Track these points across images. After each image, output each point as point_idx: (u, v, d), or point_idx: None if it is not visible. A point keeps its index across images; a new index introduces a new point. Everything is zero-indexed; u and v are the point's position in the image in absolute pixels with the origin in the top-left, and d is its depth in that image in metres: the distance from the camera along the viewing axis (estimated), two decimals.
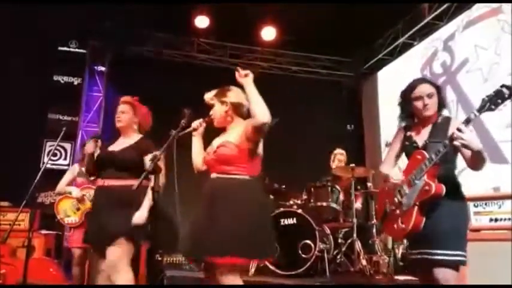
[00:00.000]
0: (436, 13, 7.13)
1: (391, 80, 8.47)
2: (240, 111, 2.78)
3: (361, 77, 9.36)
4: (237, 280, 2.48)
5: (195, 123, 2.83)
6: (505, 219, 3.78)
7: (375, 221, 5.36)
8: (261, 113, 2.49)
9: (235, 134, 2.68)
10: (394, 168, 2.82)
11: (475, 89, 6.31)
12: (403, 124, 2.81)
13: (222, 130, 2.83)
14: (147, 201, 2.94)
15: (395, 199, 2.63)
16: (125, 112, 3.31)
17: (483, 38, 6.39)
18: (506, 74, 5.77)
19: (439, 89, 2.65)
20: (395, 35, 8.05)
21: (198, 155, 2.84)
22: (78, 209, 4.46)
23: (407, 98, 2.70)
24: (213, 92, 2.83)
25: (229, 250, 2.40)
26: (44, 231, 5.58)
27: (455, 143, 2.29)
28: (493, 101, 2.22)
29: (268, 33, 8.25)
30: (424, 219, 2.47)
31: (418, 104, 2.62)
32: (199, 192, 2.73)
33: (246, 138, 2.61)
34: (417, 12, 7.44)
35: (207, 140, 2.87)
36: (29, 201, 3.42)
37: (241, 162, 2.62)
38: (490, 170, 5.58)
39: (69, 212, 4.50)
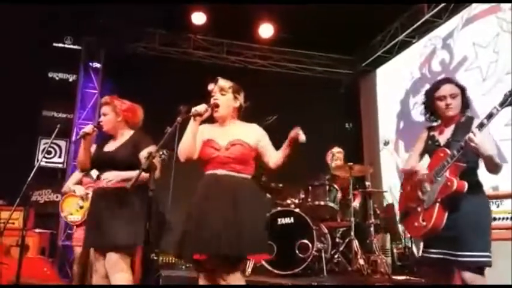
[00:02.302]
0: (434, 11, 7.09)
1: (389, 78, 8.45)
2: (241, 114, 2.84)
3: (360, 74, 9.31)
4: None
5: (201, 108, 2.64)
6: (503, 219, 3.77)
7: (373, 220, 5.34)
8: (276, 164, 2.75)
9: (250, 135, 2.73)
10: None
11: (474, 87, 6.27)
12: (427, 123, 2.86)
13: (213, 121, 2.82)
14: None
15: (417, 196, 2.63)
16: (106, 114, 3.25)
17: (482, 36, 6.36)
18: (504, 72, 5.75)
19: (463, 90, 2.71)
20: (394, 32, 8.01)
21: (192, 142, 2.67)
22: (81, 207, 4.56)
23: (430, 97, 2.75)
24: (229, 82, 2.77)
25: (262, 248, 2.56)
26: (38, 230, 5.55)
27: (468, 147, 2.38)
28: None
29: (266, 30, 8.18)
30: (446, 217, 2.48)
31: (441, 103, 2.67)
32: (194, 188, 2.71)
33: (259, 146, 2.74)
34: (416, 9, 7.39)
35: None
36: (23, 199, 3.37)
37: (251, 163, 2.72)
38: None
39: (72, 210, 4.62)
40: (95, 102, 7.94)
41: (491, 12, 6.22)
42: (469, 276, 2.40)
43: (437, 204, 2.48)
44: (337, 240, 5.37)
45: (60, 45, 7.74)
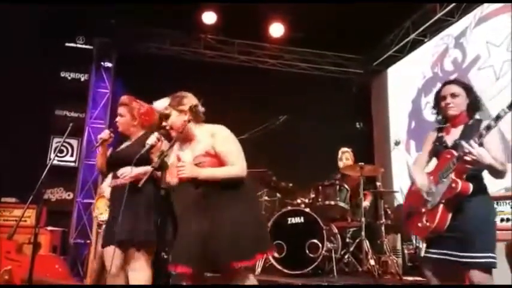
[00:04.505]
0: (447, 9, 7.03)
1: (401, 77, 8.40)
2: (199, 116, 2.75)
3: (371, 74, 9.26)
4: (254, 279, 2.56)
5: (151, 140, 2.72)
6: None
7: (383, 220, 5.29)
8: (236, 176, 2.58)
9: (204, 142, 2.65)
10: (424, 169, 2.84)
11: (487, 86, 6.21)
12: (437, 125, 2.86)
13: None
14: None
15: (422, 197, 2.63)
16: (122, 115, 3.25)
17: (495, 35, 6.29)
18: None
19: (468, 90, 2.72)
20: (405, 31, 7.95)
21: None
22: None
23: (436, 98, 2.79)
24: (165, 101, 2.75)
25: (254, 250, 2.48)
26: (50, 228, 5.60)
27: (466, 158, 2.38)
28: None
29: (277, 29, 8.18)
30: (450, 218, 2.48)
31: (442, 103, 2.72)
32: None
33: (216, 151, 2.62)
34: (428, 8, 7.34)
35: None
36: (35, 197, 3.39)
37: (222, 165, 2.62)
38: None
39: (102, 210, 4.74)
40: (107, 102, 8.02)
41: (504, 11, 6.15)
42: (477, 275, 2.39)
43: (442, 205, 2.49)
44: (348, 240, 5.33)
45: (72, 45, 7.83)
